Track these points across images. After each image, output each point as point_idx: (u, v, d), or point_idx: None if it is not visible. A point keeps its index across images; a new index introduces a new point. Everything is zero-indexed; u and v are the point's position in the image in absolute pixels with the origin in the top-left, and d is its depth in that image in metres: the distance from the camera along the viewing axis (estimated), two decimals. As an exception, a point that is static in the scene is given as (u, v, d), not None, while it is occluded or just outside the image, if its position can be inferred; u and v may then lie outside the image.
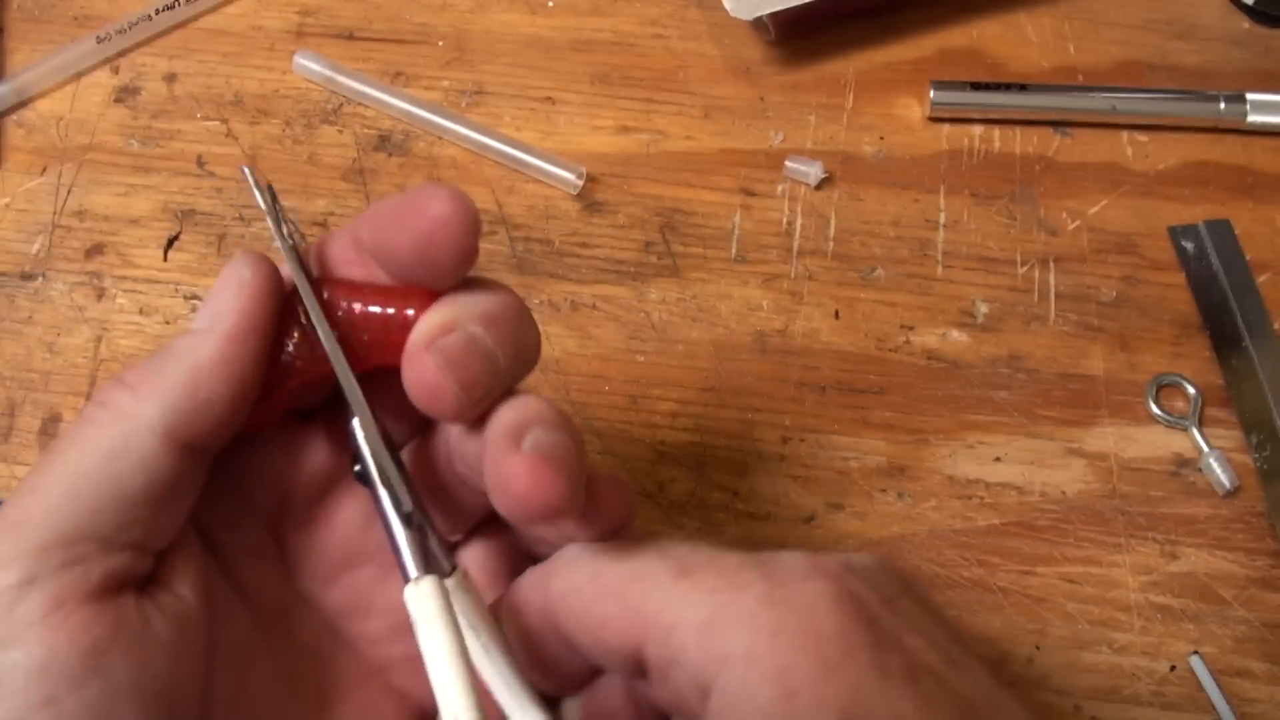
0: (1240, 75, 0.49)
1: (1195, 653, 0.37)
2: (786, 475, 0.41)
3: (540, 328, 0.43)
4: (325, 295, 0.27)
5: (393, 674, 0.29)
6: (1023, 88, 0.48)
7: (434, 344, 0.24)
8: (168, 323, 0.43)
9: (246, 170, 0.29)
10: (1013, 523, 0.40)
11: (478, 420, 0.25)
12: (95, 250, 0.45)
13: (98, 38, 0.49)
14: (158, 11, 0.50)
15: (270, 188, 0.29)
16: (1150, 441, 0.41)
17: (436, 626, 0.24)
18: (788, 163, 0.46)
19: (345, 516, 0.29)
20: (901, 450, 0.41)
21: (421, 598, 0.24)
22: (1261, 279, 0.44)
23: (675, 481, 0.40)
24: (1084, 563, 0.39)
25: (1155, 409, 0.41)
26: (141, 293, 0.44)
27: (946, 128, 0.48)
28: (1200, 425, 0.41)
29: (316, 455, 0.28)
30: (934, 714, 0.21)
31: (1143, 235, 0.46)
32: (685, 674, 0.23)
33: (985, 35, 0.51)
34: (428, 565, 0.25)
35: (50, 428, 0.41)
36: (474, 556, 0.29)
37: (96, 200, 0.46)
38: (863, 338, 0.43)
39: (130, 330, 0.43)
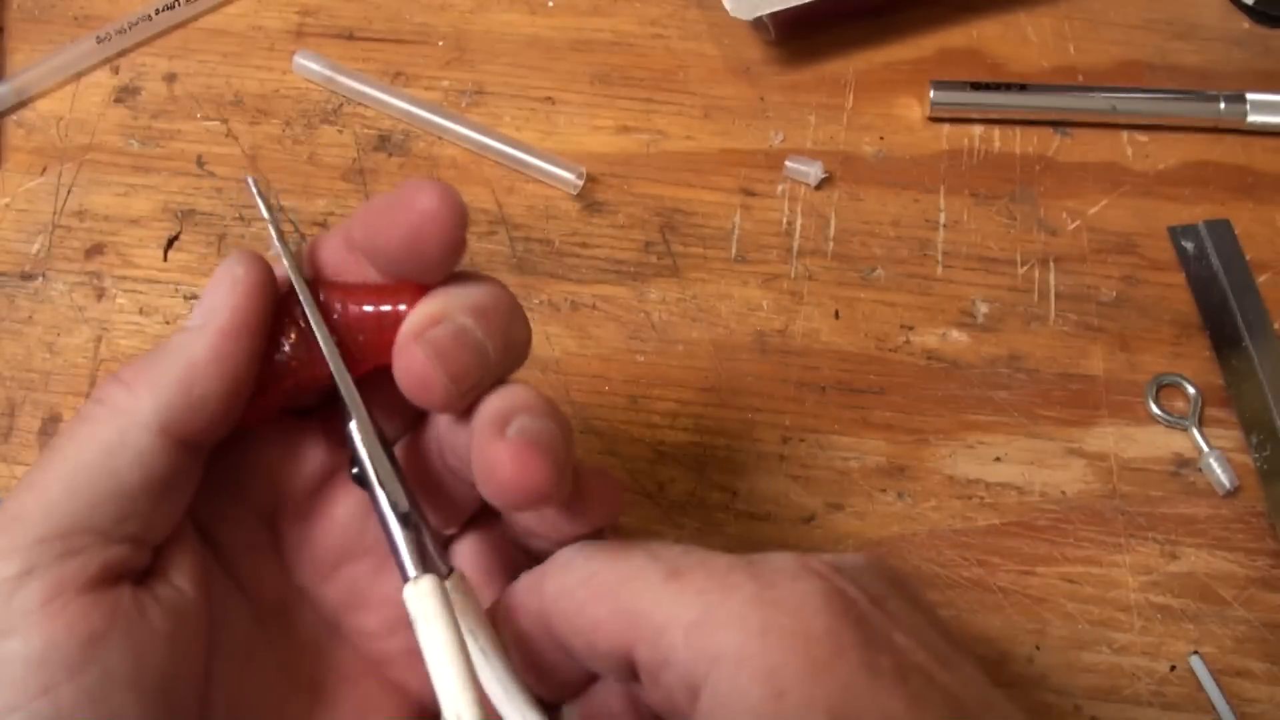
0: (1240, 75, 0.49)
1: (1195, 653, 0.37)
2: (786, 475, 0.40)
3: (540, 328, 0.43)
4: (320, 298, 0.27)
5: (390, 667, 0.29)
6: (1023, 88, 0.48)
7: (423, 335, 0.25)
8: (168, 323, 0.43)
9: (251, 181, 0.29)
10: (1013, 523, 0.40)
11: (467, 411, 0.26)
12: (95, 250, 0.45)
13: (98, 38, 0.49)
14: (158, 11, 0.50)
15: (272, 195, 0.29)
16: (1150, 441, 0.41)
17: (437, 624, 0.24)
18: (788, 163, 0.46)
19: (341, 512, 0.29)
20: (901, 450, 0.41)
21: (421, 596, 0.24)
22: (1261, 279, 0.44)
23: (675, 481, 0.40)
24: (1084, 563, 0.39)
25: (1155, 409, 0.41)
26: (141, 293, 0.44)
27: (946, 128, 0.48)
28: (1200, 425, 0.41)
29: (312, 452, 0.29)
30: (924, 712, 0.22)
31: (1143, 235, 0.46)
32: (675, 675, 0.23)
33: (985, 35, 0.51)
34: (425, 565, 0.25)
35: (50, 428, 0.41)
36: (467, 551, 0.29)
37: (96, 200, 0.46)
38: (863, 338, 0.43)
39: (130, 330, 0.43)
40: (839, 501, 0.40)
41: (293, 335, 0.27)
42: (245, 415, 0.26)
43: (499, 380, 0.26)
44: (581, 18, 0.51)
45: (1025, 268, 0.45)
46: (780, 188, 0.47)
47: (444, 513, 0.29)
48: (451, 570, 0.26)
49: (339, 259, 0.28)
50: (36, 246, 0.45)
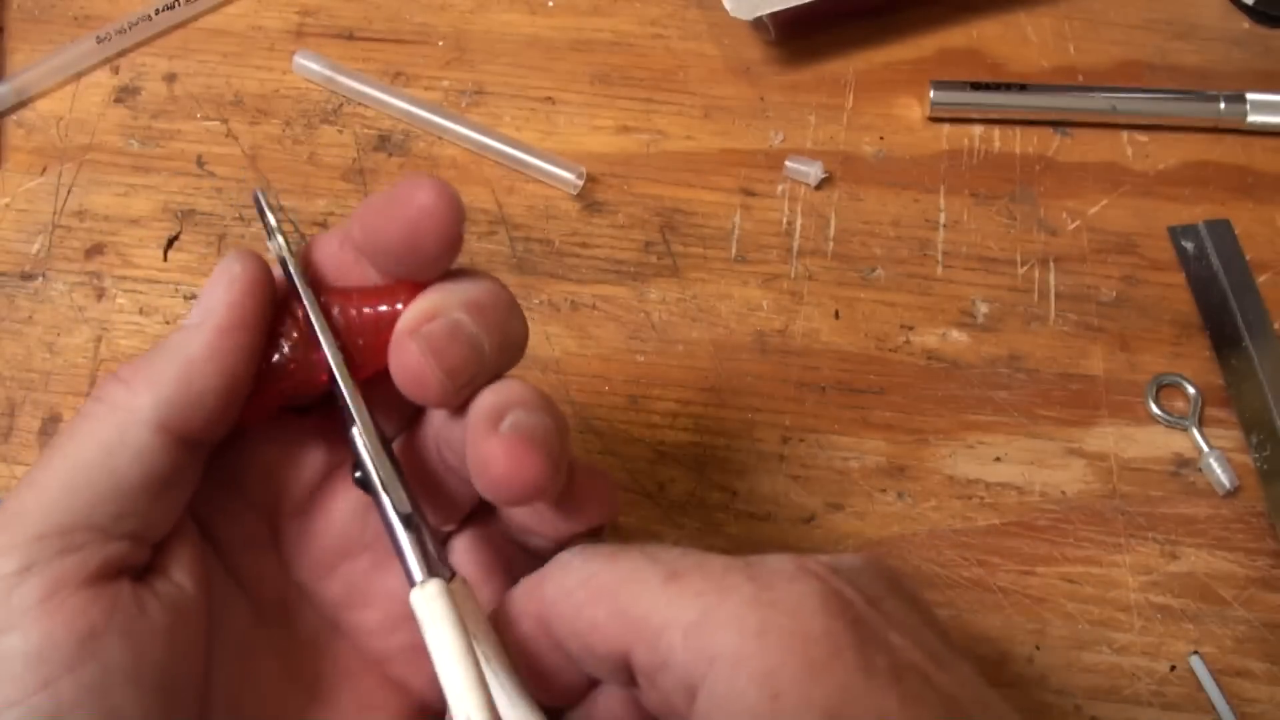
0: (1240, 75, 0.49)
1: (1195, 653, 0.37)
2: (786, 475, 0.40)
3: (540, 328, 0.43)
4: (322, 301, 0.27)
5: (391, 664, 0.29)
6: (1023, 88, 0.48)
7: (418, 331, 0.25)
8: (167, 322, 0.43)
9: (259, 195, 0.29)
10: (1013, 523, 0.40)
11: (463, 407, 0.26)
12: (95, 250, 0.45)
13: (98, 38, 0.49)
14: (158, 11, 0.50)
15: (275, 200, 0.29)
16: (1150, 441, 0.41)
17: (445, 627, 0.24)
18: (788, 163, 0.46)
19: (341, 509, 0.29)
20: (901, 450, 0.41)
21: (429, 599, 0.25)
22: (1261, 279, 0.44)
23: (675, 481, 0.40)
24: (1084, 563, 0.39)
25: (1155, 409, 0.41)
26: (141, 293, 0.44)
27: (946, 128, 0.48)
28: (1200, 425, 0.41)
29: (312, 450, 0.29)
30: (919, 711, 0.22)
31: (1143, 235, 0.46)
32: (673, 676, 0.23)
33: (985, 35, 0.51)
34: (430, 568, 0.25)
35: (50, 428, 0.41)
36: (464, 547, 0.29)
37: (96, 200, 0.46)
38: (863, 338, 0.43)
39: (130, 330, 0.43)
40: (839, 501, 0.40)
41: (293, 336, 0.27)
42: (244, 414, 0.26)
43: (495, 376, 0.26)
44: (581, 18, 0.51)
45: (1025, 268, 0.45)
46: (780, 188, 0.47)
47: (442, 510, 0.29)
48: (454, 574, 0.26)
49: (337, 259, 0.28)
50: (36, 246, 0.45)
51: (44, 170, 0.47)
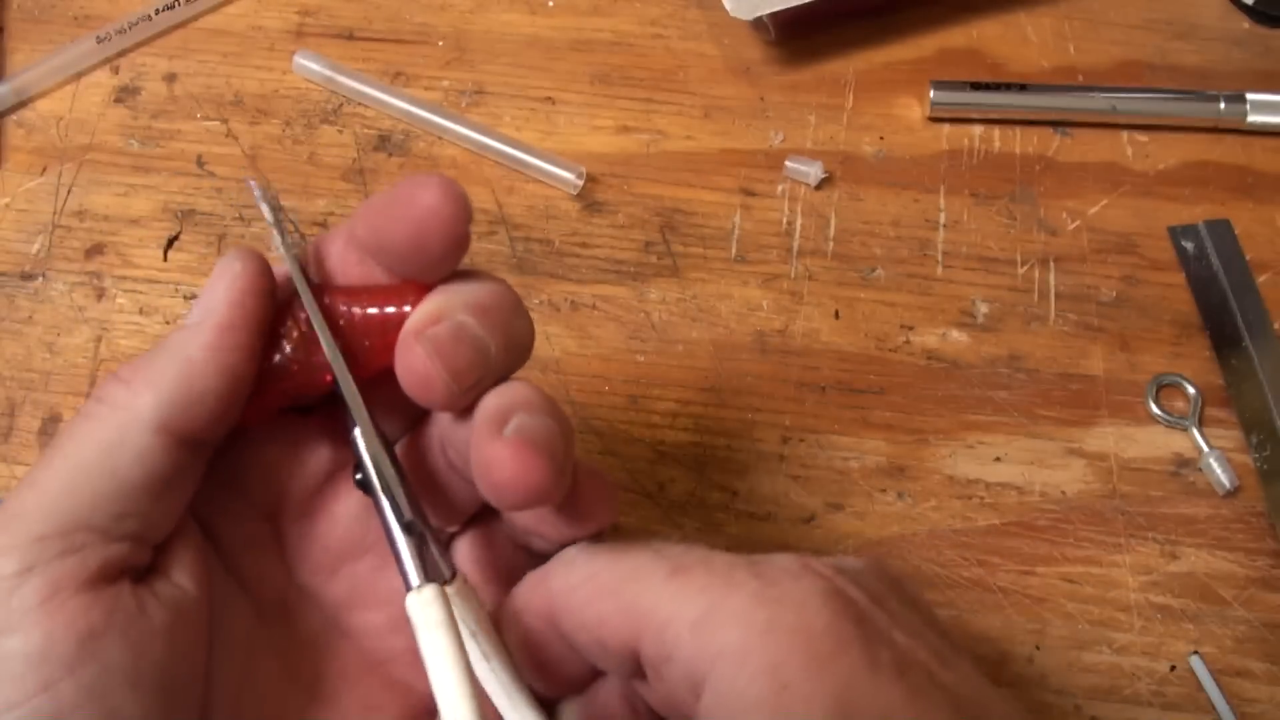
0: (1240, 75, 0.49)
1: (1195, 653, 0.37)
2: (786, 475, 0.40)
3: (540, 328, 0.43)
4: (325, 301, 0.27)
5: (393, 666, 0.29)
6: (1023, 88, 0.48)
7: (424, 333, 0.25)
8: (167, 322, 0.43)
9: (253, 184, 0.29)
10: (1013, 523, 0.40)
11: (468, 409, 0.26)
12: (95, 250, 0.45)
13: (98, 38, 0.49)
14: (158, 11, 0.50)
15: (275, 198, 0.29)
16: (1150, 441, 0.41)
17: (438, 633, 0.24)
18: (788, 163, 0.46)
19: (343, 510, 0.29)
20: (901, 450, 0.41)
21: (424, 605, 0.25)
22: (1261, 279, 0.44)
23: (675, 481, 0.40)
24: (1084, 563, 0.39)
25: (1155, 409, 0.41)
26: (141, 293, 0.44)
27: (946, 128, 0.48)
28: (1200, 425, 0.41)
29: (315, 450, 0.29)
30: (924, 707, 0.22)
31: (1143, 235, 0.46)
32: (679, 671, 0.23)
33: (985, 35, 0.51)
34: (428, 572, 0.25)
35: (50, 428, 0.41)
36: (468, 549, 0.30)
37: (96, 200, 0.46)
38: (863, 338, 0.43)
39: (130, 330, 0.43)
40: (839, 501, 0.40)
41: (295, 336, 0.27)
42: (246, 414, 0.26)
43: (501, 377, 0.26)
44: (581, 18, 0.51)
45: (1025, 268, 0.45)
46: (780, 188, 0.47)
47: (445, 511, 0.29)
48: (455, 574, 0.26)
49: (342, 258, 0.28)
50: (36, 246, 0.45)
51: (44, 170, 0.47)
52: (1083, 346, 0.43)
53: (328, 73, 0.48)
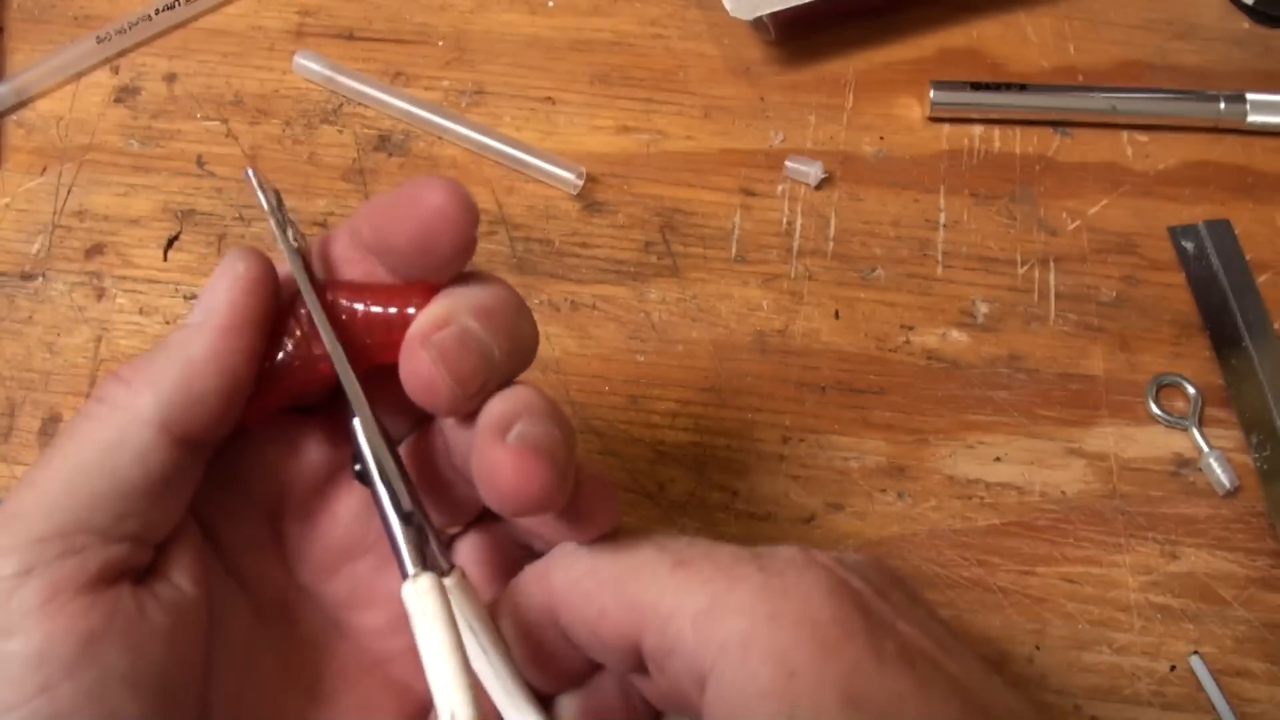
0: (1240, 75, 0.49)
1: (1195, 653, 0.37)
2: (786, 475, 0.40)
3: (540, 328, 0.43)
4: (328, 297, 0.27)
5: (393, 666, 0.29)
6: (1023, 88, 0.48)
7: (429, 339, 0.25)
8: (167, 322, 0.43)
9: (250, 172, 0.29)
10: (1013, 523, 0.40)
11: (472, 413, 0.26)
12: (95, 250, 0.45)
13: (98, 38, 0.49)
14: (158, 11, 0.50)
15: (276, 191, 0.29)
16: (1150, 441, 0.41)
17: (434, 622, 0.24)
18: (788, 163, 0.46)
19: (344, 509, 0.29)
20: (901, 450, 0.41)
21: (419, 593, 0.24)
22: (1261, 279, 0.44)
23: (675, 481, 0.40)
24: (1084, 563, 0.39)
25: (1155, 409, 0.41)
26: (141, 293, 0.44)
27: (946, 128, 0.48)
28: (1200, 425, 0.41)
29: (316, 449, 0.29)
30: (932, 695, 0.22)
31: (1143, 235, 0.46)
32: (682, 664, 0.23)
33: (985, 35, 0.51)
34: (426, 564, 0.25)
35: (50, 428, 0.41)
36: (470, 549, 0.29)
37: (96, 200, 0.46)
38: (863, 338, 0.43)
39: (130, 330, 0.43)
40: (839, 501, 0.40)
41: (296, 333, 0.27)
42: (247, 414, 0.26)
43: (506, 380, 0.26)
44: (581, 18, 0.51)
45: (1025, 268, 0.45)
46: (780, 188, 0.47)
47: (448, 511, 0.29)
48: (453, 567, 0.26)
49: (347, 257, 0.28)
50: (36, 246, 0.45)
51: (44, 170, 0.47)
52: (1083, 346, 0.43)
53: (328, 73, 0.48)
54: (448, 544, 0.30)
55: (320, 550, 0.29)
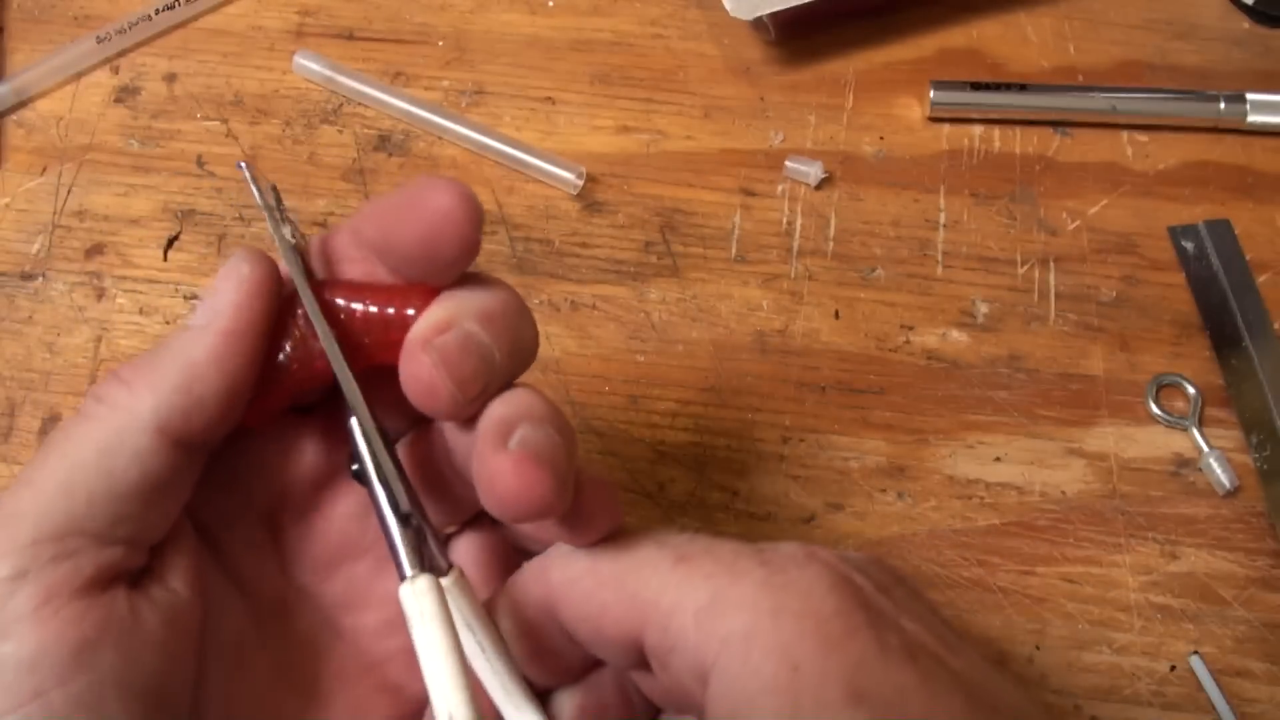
0: (1240, 75, 0.49)
1: (1195, 653, 0.37)
2: (786, 475, 0.40)
3: (540, 328, 0.43)
4: (327, 295, 0.27)
5: (389, 668, 0.29)
6: (1023, 88, 0.48)
7: (430, 343, 0.24)
8: (167, 323, 0.43)
9: (243, 166, 0.29)
10: (1013, 523, 0.40)
11: (472, 416, 0.25)
12: (95, 250, 0.45)
13: (98, 38, 0.49)
14: (158, 11, 0.50)
15: (274, 188, 0.29)
16: (1150, 441, 0.41)
17: (431, 623, 0.24)
18: (788, 163, 0.46)
19: (341, 510, 0.29)
20: (901, 450, 0.41)
21: (416, 595, 0.24)
22: (1261, 279, 0.44)
23: (675, 481, 0.40)
24: (1084, 563, 0.39)
25: (1155, 409, 0.41)
26: (141, 293, 0.44)
27: (946, 128, 0.48)
28: (1200, 425, 0.41)
29: (313, 450, 0.28)
30: (936, 689, 0.22)
31: (1143, 235, 0.46)
32: (684, 659, 0.23)
33: (985, 35, 0.51)
34: (423, 564, 0.25)
35: (50, 427, 0.41)
36: (467, 549, 0.29)
37: (96, 200, 0.46)
38: (863, 338, 0.43)
39: (130, 330, 0.43)
40: (839, 501, 0.40)
41: (295, 334, 0.27)
42: (247, 416, 0.26)
43: (506, 383, 0.26)
44: (581, 18, 0.51)
45: (1025, 268, 0.45)
46: (780, 188, 0.47)
47: (446, 511, 0.29)
48: (451, 566, 0.26)
49: (348, 256, 0.27)
50: (36, 246, 0.45)
51: (44, 170, 0.47)
52: (1083, 346, 0.43)
53: (328, 73, 0.48)
54: (444, 542, 0.30)
55: (317, 550, 0.29)
